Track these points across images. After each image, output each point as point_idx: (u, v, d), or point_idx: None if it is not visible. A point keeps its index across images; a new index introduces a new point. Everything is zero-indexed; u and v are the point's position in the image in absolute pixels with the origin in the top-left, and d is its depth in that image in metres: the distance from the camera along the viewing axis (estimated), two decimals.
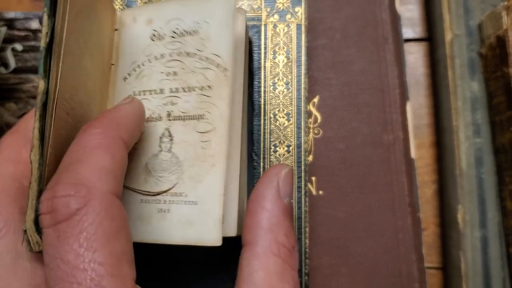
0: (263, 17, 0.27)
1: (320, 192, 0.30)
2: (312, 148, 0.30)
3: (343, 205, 0.29)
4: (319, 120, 0.30)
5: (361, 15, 0.31)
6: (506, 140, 0.31)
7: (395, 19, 0.31)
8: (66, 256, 0.16)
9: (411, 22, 0.36)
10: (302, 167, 0.27)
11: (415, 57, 0.36)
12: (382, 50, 0.31)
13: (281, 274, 0.19)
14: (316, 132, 0.30)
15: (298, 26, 0.27)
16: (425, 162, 0.35)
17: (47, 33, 0.18)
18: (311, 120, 0.30)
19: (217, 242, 0.21)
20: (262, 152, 0.27)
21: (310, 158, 0.30)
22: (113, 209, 0.17)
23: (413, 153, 0.30)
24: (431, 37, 0.35)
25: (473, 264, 0.32)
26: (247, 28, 0.25)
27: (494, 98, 0.32)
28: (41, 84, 0.18)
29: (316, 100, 0.30)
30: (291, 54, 0.27)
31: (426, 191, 0.34)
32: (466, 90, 0.33)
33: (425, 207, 0.34)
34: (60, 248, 0.16)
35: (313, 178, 0.30)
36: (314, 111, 0.30)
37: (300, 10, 0.27)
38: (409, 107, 0.31)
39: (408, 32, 0.36)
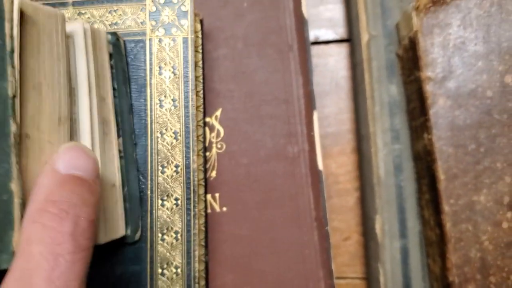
0: (148, 32, 0.26)
1: (224, 209, 0.29)
2: (215, 164, 0.29)
3: (247, 221, 0.29)
4: (221, 134, 0.29)
5: (264, 21, 0.30)
6: (421, 147, 0.29)
7: (301, 24, 0.30)
8: None
9: (332, 23, 0.34)
10: (192, 188, 0.26)
11: (335, 60, 0.34)
12: (286, 58, 0.29)
13: (39, 239, 0.17)
14: (219, 146, 0.29)
15: (185, 40, 0.26)
16: (346, 169, 0.33)
17: None
18: (214, 134, 0.29)
19: None
20: (149, 173, 0.26)
21: (213, 174, 0.29)
22: None
23: (320, 165, 0.29)
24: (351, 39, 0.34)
25: (392, 275, 0.31)
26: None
27: (410, 102, 0.30)
28: None
29: (218, 113, 0.29)
30: (178, 69, 0.26)
31: (349, 199, 0.33)
32: (384, 94, 0.31)
33: (348, 216, 0.33)
34: None
35: (217, 195, 0.29)
36: (217, 125, 0.29)
37: (187, 23, 0.26)
38: (316, 117, 0.29)
39: (328, 33, 0.34)
